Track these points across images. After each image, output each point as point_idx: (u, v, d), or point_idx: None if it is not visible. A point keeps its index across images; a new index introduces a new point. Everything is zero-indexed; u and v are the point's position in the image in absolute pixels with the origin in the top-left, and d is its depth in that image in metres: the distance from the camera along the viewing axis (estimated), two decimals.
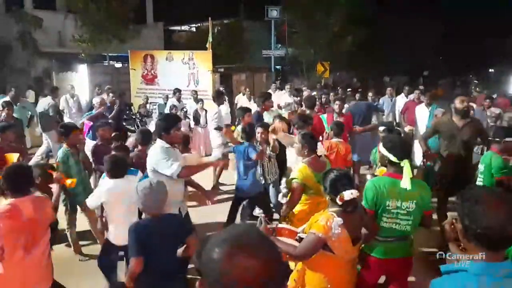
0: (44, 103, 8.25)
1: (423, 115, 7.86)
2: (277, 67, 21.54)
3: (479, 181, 4.09)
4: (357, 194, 2.58)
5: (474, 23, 22.40)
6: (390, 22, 21.47)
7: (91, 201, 3.76)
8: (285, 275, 0.91)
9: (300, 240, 2.68)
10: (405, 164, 2.79)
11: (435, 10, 21.55)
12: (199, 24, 24.96)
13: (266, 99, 6.53)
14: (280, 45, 21.76)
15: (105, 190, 3.64)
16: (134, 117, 9.30)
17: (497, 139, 4.00)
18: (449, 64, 20.69)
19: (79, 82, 12.92)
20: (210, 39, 12.01)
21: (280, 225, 2.79)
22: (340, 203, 2.53)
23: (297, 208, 3.66)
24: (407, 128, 8.30)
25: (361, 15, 19.05)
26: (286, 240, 2.73)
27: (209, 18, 12.37)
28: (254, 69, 16.42)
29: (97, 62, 16.36)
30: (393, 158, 2.86)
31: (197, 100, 9.63)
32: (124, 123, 8.83)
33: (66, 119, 9.41)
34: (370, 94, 9.16)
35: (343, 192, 2.53)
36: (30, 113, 7.60)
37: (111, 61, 16.41)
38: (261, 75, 16.28)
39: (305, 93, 10.21)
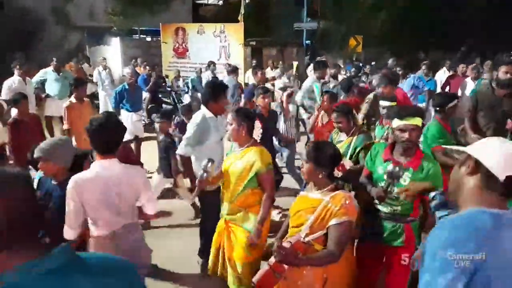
0: None
1: (468, 90, 7.53)
2: (307, 42, 21.04)
3: None
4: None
5: None
6: None
7: None
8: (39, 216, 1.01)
9: (308, 244, 2.24)
10: None
11: None
12: None
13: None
14: (310, 19, 21.16)
15: None
16: (170, 89, 9.31)
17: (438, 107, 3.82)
18: (490, 39, 19.56)
19: (112, 55, 13.01)
20: (242, 11, 11.77)
21: (291, 239, 2.29)
22: (340, 174, 2.44)
23: None
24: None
25: None
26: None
27: None
28: (285, 43, 16.10)
29: (128, 36, 16.43)
30: None
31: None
32: (159, 95, 8.88)
33: (100, 91, 9.53)
34: (423, 68, 8.10)
35: (343, 162, 2.44)
36: (71, 83, 7.72)
37: (141, 35, 16.43)
38: (292, 49, 15.95)
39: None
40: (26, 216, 1.01)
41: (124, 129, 2.51)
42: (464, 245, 1.25)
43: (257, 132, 3.03)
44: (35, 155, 2.51)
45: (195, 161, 3.56)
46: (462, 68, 8.12)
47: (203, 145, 3.49)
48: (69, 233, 2.32)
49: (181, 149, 3.53)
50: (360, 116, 4.72)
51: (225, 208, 2.97)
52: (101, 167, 2.34)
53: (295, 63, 11.71)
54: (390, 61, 7.06)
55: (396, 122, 2.58)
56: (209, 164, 2.84)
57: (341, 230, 2.18)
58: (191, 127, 3.51)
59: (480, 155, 1.41)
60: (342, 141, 3.50)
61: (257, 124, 3.00)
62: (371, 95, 5.17)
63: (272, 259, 2.18)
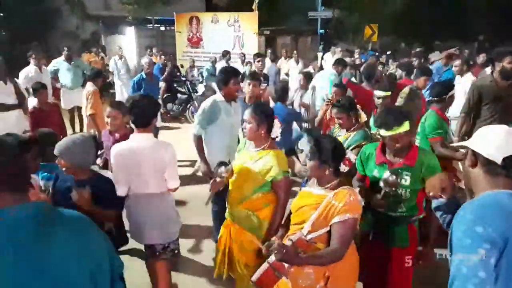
0: None
1: None
2: (321, 31, 20.82)
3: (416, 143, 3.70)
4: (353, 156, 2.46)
5: None
6: None
7: None
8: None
9: (310, 242, 2.15)
10: None
11: None
12: None
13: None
14: (324, 8, 20.90)
15: None
16: (184, 78, 9.34)
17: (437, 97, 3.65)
18: (507, 29, 19.03)
19: (126, 45, 13.08)
20: (256, 0, 11.66)
21: (293, 237, 2.18)
22: (347, 168, 2.31)
23: None
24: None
25: None
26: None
27: None
28: (299, 32, 15.93)
29: (142, 25, 16.48)
30: None
31: (244, 63, 9.49)
32: (175, 85, 8.92)
33: (116, 80, 9.60)
34: (441, 57, 7.91)
35: (348, 155, 2.33)
36: (84, 72, 7.76)
37: (155, 25, 16.46)
38: (306, 38, 15.78)
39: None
40: (9, 170, 1.23)
41: (156, 107, 2.79)
42: (492, 222, 1.28)
43: (276, 132, 2.71)
44: (54, 151, 2.47)
45: (205, 142, 3.74)
46: (482, 58, 7.91)
47: (212, 125, 3.66)
48: (120, 189, 2.65)
49: (193, 128, 3.79)
50: None
51: (230, 208, 2.80)
52: (133, 139, 2.69)
53: (319, 54, 11.59)
54: (416, 51, 6.77)
55: (384, 133, 2.47)
56: (222, 168, 2.68)
57: (345, 228, 2.07)
58: (201, 108, 3.74)
59: (476, 146, 1.50)
60: (341, 136, 3.40)
61: (277, 123, 2.71)
62: (406, 89, 4.99)
63: (272, 257, 2.07)
